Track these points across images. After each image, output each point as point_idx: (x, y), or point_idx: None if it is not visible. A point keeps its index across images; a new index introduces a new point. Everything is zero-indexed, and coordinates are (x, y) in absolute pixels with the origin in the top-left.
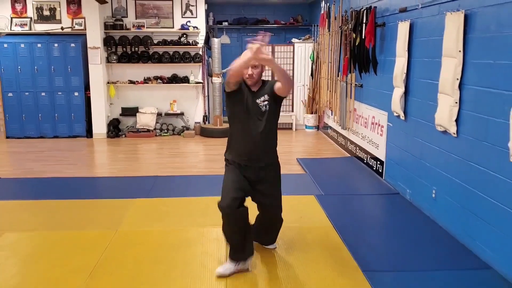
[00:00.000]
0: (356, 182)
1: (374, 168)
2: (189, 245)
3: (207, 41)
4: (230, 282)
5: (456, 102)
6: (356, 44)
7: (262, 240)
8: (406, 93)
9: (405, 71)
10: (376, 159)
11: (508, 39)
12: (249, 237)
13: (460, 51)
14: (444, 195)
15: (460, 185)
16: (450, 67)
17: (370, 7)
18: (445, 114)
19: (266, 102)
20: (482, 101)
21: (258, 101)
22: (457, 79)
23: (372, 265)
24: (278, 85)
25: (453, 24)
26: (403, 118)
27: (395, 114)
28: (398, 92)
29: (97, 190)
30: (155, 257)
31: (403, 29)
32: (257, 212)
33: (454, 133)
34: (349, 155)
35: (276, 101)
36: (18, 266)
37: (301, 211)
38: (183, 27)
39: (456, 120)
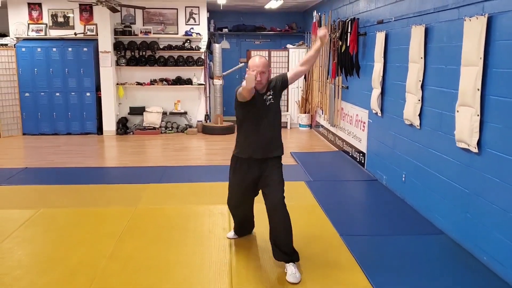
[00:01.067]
0: (341, 171)
1: (358, 160)
2: (198, 217)
3: (209, 46)
4: (235, 243)
5: (419, 100)
6: (342, 50)
7: (279, 253)
8: (382, 93)
9: (382, 75)
10: (359, 151)
11: (455, 49)
12: (250, 224)
13: (421, 57)
14: (411, 177)
15: (422, 168)
16: (414, 71)
17: (354, 18)
18: (410, 110)
19: (270, 97)
20: (438, 98)
21: (264, 97)
22: (420, 81)
23: (349, 231)
24: (295, 70)
25: (417, 35)
26: (380, 115)
27: (373, 111)
28: (376, 92)
29: (114, 177)
30: (171, 226)
31: (380, 38)
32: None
33: (418, 126)
34: (337, 149)
35: (279, 94)
36: (56, 233)
37: (292, 193)
38: (186, 33)
39: (419, 115)
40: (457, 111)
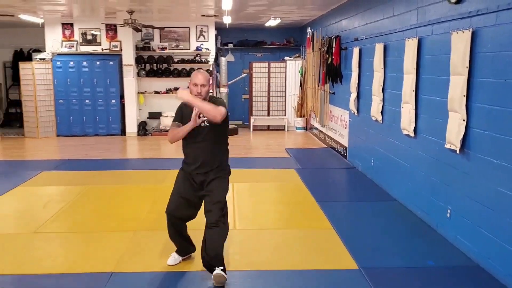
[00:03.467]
0: (326, 162)
1: (341, 153)
2: None
3: (216, 59)
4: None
5: (381, 100)
6: (329, 62)
7: (208, 255)
8: (358, 96)
9: (357, 81)
10: (342, 146)
11: (400, 61)
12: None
13: (382, 68)
14: (376, 162)
15: (384, 154)
16: (377, 78)
17: (338, 35)
18: (375, 108)
19: (206, 119)
20: (393, 99)
21: (201, 117)
22: (381, 85)
23: (324, 199)
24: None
25: (378, 51)
26: (356, 114)
27: (352, 112)
28: (353, 96)
29: (140, 165)
30: None
31: (355, 52)
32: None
33: (380, 121)
34: (326, 146)
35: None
36: (104, 200)
37: (283, 176)
38: (197, 48)
39: (382, 112)
40: (402, 107)
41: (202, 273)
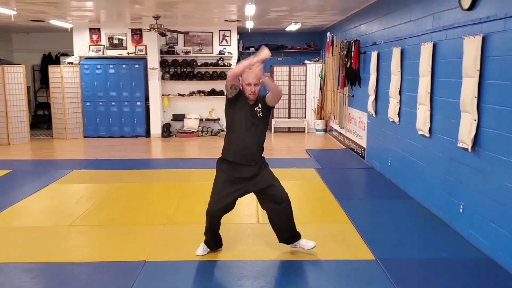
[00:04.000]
0: (345, 162)
1: (360, 154)
2: None
3: (238, 63)
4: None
5: (398, 102)
6: (348, 66)
7: (281, 235)
8: (376, 99)
9: (375, 84)
10: (361, 147)
11: (417, 65)
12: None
13: (399, 71)
14: (394, 162)
15: (401, 154)
16: (394, 81)
17: (357, 39)
18: (392, 110)
19: (259, 110)
20: (409, 101)
21: (255, 109)
22: (398, 88)
23: (343, 196)
24: (269, 95)
25: (396, 55)
26: (374, 116)
27: (370, 113)
28: (371, 98)
29: (165, 165)
30: None
31: (374, 56)
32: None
33: (397, 122)
34: (345, 148)
35: (267, 109)
36: (134, 197)
37: (304, 176)
38: (220, 52)
39: (398, 113)
40: (418, 109)
41: (229, 262)
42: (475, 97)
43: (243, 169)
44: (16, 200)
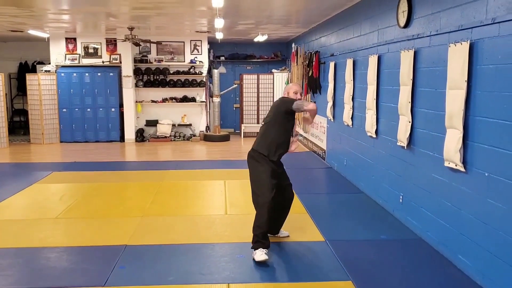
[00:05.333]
0: (307, 163)
1: (321, 156)
2: (209, 186)
3: (209, 71)
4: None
5: (351, 108)
6: (310, 75)
7: (277, 227)
8: (333, 105)
9: (333, 91)
10: (321, 149)
11: (365, 75)
12: None
13: (351, 80)
14: (349, 162)
15: (354, 154)
16: (348, 89)
17: (317, 51)
18: (346, 114)
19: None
20: (360, 106)
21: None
22: (350, 95)
23: (303, 192)
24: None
25: (349, 65)
26: (332, 121)
27: (329, 118)
28: (329, 104)
29: (140, 166)
30: (186, 189)
31: (331, 66)
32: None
33: (351, 125)
34: (309, 150)
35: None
36: (112, 194)
37: None
38: (191, 61)
39: (352, 118)
40: (366, 113)
41: (200, 245)
42: (409, 102)
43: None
44: (1, 199)
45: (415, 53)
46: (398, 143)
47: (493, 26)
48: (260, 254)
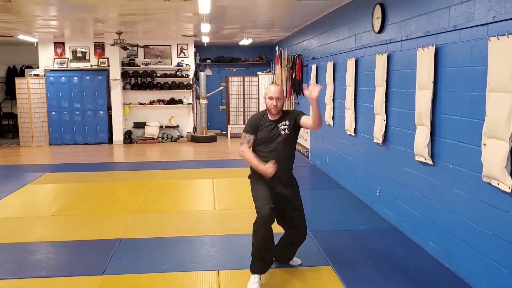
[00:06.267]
0: None
1: (305, 155)
2: (197, 185)
3: (196, 74)
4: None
5: (332, 108)
6: (293, 77)
7: (286, 256)
8: None
9: None
10: (306, 148)
11: (344, 77)
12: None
13: (332, 81)
14: (330, 159)
15: (335, 152)
16: (329, 90)
17: (300, 54)
18: (328, 115)
19: (286, 127)
20: (340, 107)
21: (279, 125)
22: (331, 96)
23: None
24: (307, 120)
25: (329, 68)
26: None
27: None
28: None
29: (129, 167)
30: (175, 187)
31: (313, 69)
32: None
33: (332, 125)
34: None
35: (296, 128)
36: (105, 194)
37: None
38: (178, 64)
39: (333, 117)
40: (346, 113)
41: (191, 237)
42: (384, 102)
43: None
44: None
45: (389, 57)
46: (374, 140)
47: (455, 32)
48: (251, 283)
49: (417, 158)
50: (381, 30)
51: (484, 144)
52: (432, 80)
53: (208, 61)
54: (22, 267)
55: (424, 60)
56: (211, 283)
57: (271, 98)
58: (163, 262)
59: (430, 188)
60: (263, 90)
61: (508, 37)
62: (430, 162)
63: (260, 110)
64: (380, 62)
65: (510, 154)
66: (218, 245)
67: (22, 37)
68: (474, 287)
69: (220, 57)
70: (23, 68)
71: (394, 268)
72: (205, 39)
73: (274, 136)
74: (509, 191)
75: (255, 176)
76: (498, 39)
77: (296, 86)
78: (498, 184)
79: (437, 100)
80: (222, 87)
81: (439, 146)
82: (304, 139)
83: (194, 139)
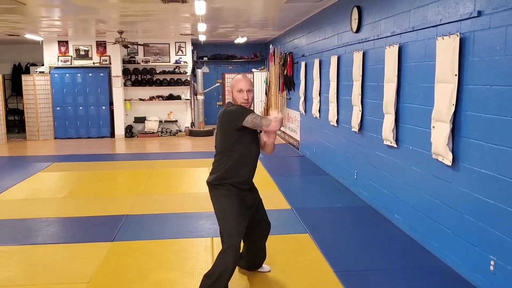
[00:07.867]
0: (283, 153)
1: (296, 146)
2: (194, 172)
3: (193, 71)
4: None
5: (318, 102)
6: (285, 74)
7: (256, 262)
8: (305, 100)
9: (304, 88)
10: (296, 140)
11: (328, 72)
12: None
13: (318, 77)
14: (318, 149)
15: (321, 142)
16: (316, 85)
17: (291, 52)
18: (315, 108)
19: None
20: (325, 100)
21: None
22: (317, 90)
23: (277, 175)
24: (263, 140)
25: (316, 64)
26: (304, 114)
27: (301, 112)
28: (301, 99)
29: (131, 157)
30: (174, 175)
31: (302, 65)
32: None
33: (318, 117)
34: (286, 143)
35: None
36: (110, 180)
37: None
38: (176, 61)
39: (319, 110)
40: (330, 106)
41: (190, 213)
42: (359, 94)
43: (247, 194)
44: (12, 184)
45: (364, 54)
46: (352, 129)
47: (413, 32)
48: None
49: (385, 142)
50: (358, 30)
51: (433, 127)
52: (396, 74)
53: (205, 58)
54: (41, 236)
55: (390, 56)
56: (206, 246)
57: (240, 91)
58: (164, 232)
59: (395, 168)
60: (257, 86)
61: (449, 37)
62: (395, 145)
63: (233, 104)
64: (357, 59)
65: (451, 134)
66: (211, 219)
67: (29, 36)
68: (428, 249)
69: (217, 55)
70: (28, 65)
71: (363, 236)
72: (202, 38)
73: (254, 136)
74: (450, 164)
75: (226, 184)
76: (443, 39)
77: (287, 82)
78: (443, 159)
79: (400, 91)
80: (219, 84)
81: (402, 131)
82: (295, 132)
83: (192, 133)
